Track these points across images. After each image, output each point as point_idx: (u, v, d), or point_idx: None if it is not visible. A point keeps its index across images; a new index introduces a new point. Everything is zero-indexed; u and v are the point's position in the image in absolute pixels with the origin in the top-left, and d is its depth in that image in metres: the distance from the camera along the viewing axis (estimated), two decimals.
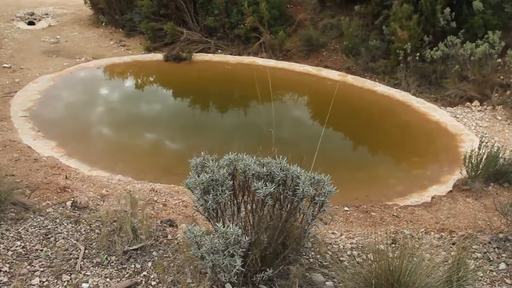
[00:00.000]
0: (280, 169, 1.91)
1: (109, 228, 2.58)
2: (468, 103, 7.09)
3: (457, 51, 7.22)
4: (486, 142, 5.98)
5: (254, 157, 1.97)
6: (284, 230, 1.95)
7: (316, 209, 1.94)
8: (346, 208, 4.24)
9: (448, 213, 4.19)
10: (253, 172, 1.86)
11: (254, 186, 1.80)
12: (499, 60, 6.99)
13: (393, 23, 7.83)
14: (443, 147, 6.21)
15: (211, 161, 1.93)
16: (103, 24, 11.16)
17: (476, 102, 7.04)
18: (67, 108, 7.25)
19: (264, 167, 1.91)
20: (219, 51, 9.68)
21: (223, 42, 9.76)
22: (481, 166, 4.69)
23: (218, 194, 1.78)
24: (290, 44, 9.30)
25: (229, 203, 1.88)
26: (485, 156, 4.67)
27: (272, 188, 1.80)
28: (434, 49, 7.46)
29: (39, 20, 12.03)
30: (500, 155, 4.81)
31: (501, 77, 7.07)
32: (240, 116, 7.55)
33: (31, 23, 11.82)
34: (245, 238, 1.65)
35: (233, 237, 1.60)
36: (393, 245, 2.58)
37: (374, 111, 7.36)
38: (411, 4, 7.81)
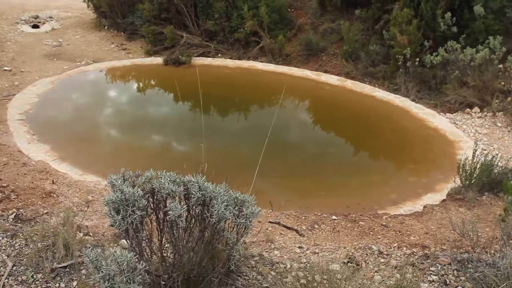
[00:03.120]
0: (199, 188, 1.83)
1: (45, 243, 2.51)
2: (468, 109, 6.96)
3: (457, 56, 7.10)
4: (484, 150, 5.91)
5: (175, 174, 1.90)
6: (208, 252, 1.87)
7: (241, 231, 1.86)
8: (334, 217, 4.15)
9: (439, 223, 4.10)
10: (168, 191, 1.79)
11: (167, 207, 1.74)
12: (500, 65, 6.86)
13: (393, 27, 7.73)
14: (441, 154, 6.09)
15: (119, 180, 1.87)
16: (105, 27, 11.20)
17: (476, 109, 6.91)
18: (63, 112, 7.27)
19: (181, 186, 1.84)
20: (219, 55, 9.65)
21: (223, 46, 9.73)
22: (475, 175, 4.58)
23: (128, 215, 1.71)
24: (290, 48, 9.25)
25: (143, 223, 1.79)
26: (479, 165, 4.56)
27: (183, 210, 1.73)
28: (434, 54, 7.35)
29: (44, 23, 12.09)
30: (496, 164, 4.71)
31: (502, 83, 6.94)
32: (235, 120, 7.52)
33: (35, 26, 11.89)
34: (142, 265, 1.58)
35: (125, 263, 1.53)
36: (349, 264, 2.49)
37: (372, 116, 7.26)
38: (411, 8, 7.71)
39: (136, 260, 1.54)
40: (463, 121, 6.74)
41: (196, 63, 9.24)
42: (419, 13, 7.67)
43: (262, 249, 2.81)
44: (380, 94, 7.78)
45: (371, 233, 3.84)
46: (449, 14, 7.45)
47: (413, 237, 3.77)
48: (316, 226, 3.91)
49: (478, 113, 6.85)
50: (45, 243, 2.48)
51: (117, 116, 7.39)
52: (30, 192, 4.14)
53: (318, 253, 2.86)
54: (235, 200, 1.81)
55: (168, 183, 1.81)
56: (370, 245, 2.90)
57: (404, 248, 2.96)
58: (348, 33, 8.53)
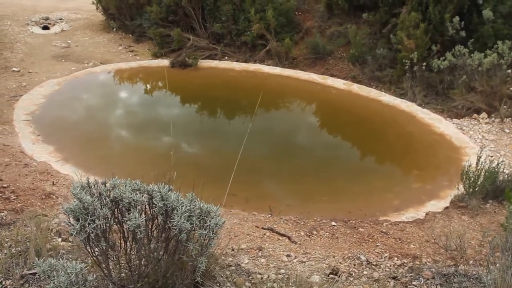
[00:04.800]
0: (161, 198, 1.79)
1: (18, 249, 2.48)
2: (475, 115, 6.86)
3: (464, 61, 7.00)
4: (490, 156, 5.81)
5: (139, 182, 1.87)
6: (173, 263, 1.83)
7: (205, 242, 1.81)
8: (333, 223, 4.10)
9: (441, 231, 4.01)
10: (129, 200, 1.76)
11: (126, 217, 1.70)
12: (509, 71, 6.75)
13: (400, 31, 7.66)
14: (446, 160, 6.00)
15: (78, 188, 1.84)
16: (114, 29, 11.27)
17: (483, 114, 6.80)
18: (69, 113, 7.30)
19: (143, 195, 1.80)
20: (226, 57, 9.64)
21: (230, 49, 9.72)
22: (479, 182, 4.49)
23: (87, 224, 1.69)
24: (296, 51, 9.21)
25: (105, 232, 1.75)
26: (483, 172, 4.47)
27: (142, 220, 1.70)
28: (441, 58, 7.26)
29: (53, 24, 12.21)
30: (501, 171, 4.62)
31: (510, 88, 6.82)
32: (235, 123, 7.49)
33: (45, 27, 12.01)
34: (93, 276, 1.55)
35: (74, 274, 1.50)
36: (331, 275, 2.43)
37: (377, 121, 7.19)
38: (419, 12, 7.62)
39: (87, 271, 1.52)
40: (470, 126, 6.64)
41: (203, 65, 9.26)
42: (427, 17, 7.59)
43: (250, 256, 2.78)
44: (386, 98, 7.70)
45: (370, 240, 3.78)
46: (457, 18, 7.35)
47: (413, 245, 3.70)
48: (315, 232, 3.86)
49: (486, 118, 6.75)
50: (18, 249, 2.46)
51: (123, 118, 7.41)
52: (30, 193, 4.16)
53: (305, 262, 2.80)
54: (200, 211, 1.77)
55: (130, 192, 1.78)
56: (359, 255, 2.84)
57: (395, 258, 2.89)
58: (355, 36, 8.47)
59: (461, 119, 6.86)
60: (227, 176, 5.86)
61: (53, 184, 4.50)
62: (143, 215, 1.79)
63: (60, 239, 2.58)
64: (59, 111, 7.31)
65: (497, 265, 1.91)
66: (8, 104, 7.22)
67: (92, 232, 1.67)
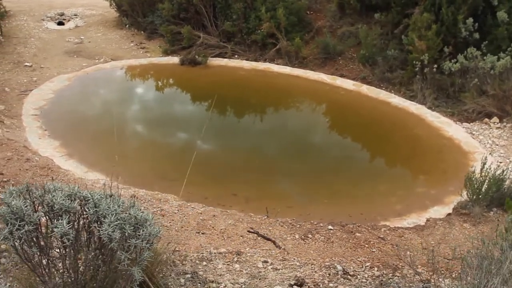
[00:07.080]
0: (94, 205, 1.75)
1: None
2: (486, 119, 6.68)
3: (477, 64, 6.83)
4: (500, 162, 5.66)
5: (76, 188, 1.83)
6: (109, 271, 1.79)
7: (139, 252, 1.76)
8: (330, 227, 4.03)
9: (440, 239, 3.92)
10: (60, 206, 1.71)
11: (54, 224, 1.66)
12: None
13: (411, 32, 7.51)
14: (453, 165, 5.86)
15: (8, 193, 1.80)
16: (126, 26, 11.32)
17: (495, 119, 6.63)
18: (77, 108, 7.35)
19: (76, 201, 1.76)
20: (236, 56, 9.61)
21: (240, 47, 9.68)
22: (483, 189, 4.37)
23: (16, 229, 1.65)
24: (306, 51, 9.11)
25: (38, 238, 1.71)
26: (487, 179, 4.34)
27: (68, 227, 1.66)
28: (453, 61, 7.09)
29: (68, 20, 12.33)
30: (507, 178, 4.48)
31: None
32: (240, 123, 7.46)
33: (60, 23, 12.14)
34: (5, 285, 1.52)
35: None
36: (295, 286, 2.35)
37: (386, 123, 7.07)
38: (432, 13, 7.46)
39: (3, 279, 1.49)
40: (480, 131, 6.47)
41: (212, 63, 9.23)
42: (439, 18, 7.42)
43: (225, 261, 2.72)
44: (396, 100, 7.56)
45: (367, 245, 3.70)
46: (471, 19, 7.17)
47: (410, 252, 3.61)
48: (310, 236, 3.80)
49: (497, 123, 6.57)
50: None
51: (130, 114, 7.44)
52: None
53: (279, 269, 2.72)
54: (135, 219, 1.73)
55: (62, 198, 1.75)
56: (336, 264, 2.76)
57: (376, 268, 2.80)
58: (366, 37, 8.34)
59: (471, 123, 6.69)
60: (230, 175, 5.86)
61: (52, 179, 4.53)
62: (80, 221, 1.76)
63: None
64: (68, 107, 7.38)
65: (468, 284, 1.82)
66: (18, 99, 7.32)
67: (22, 237, 1.65)
